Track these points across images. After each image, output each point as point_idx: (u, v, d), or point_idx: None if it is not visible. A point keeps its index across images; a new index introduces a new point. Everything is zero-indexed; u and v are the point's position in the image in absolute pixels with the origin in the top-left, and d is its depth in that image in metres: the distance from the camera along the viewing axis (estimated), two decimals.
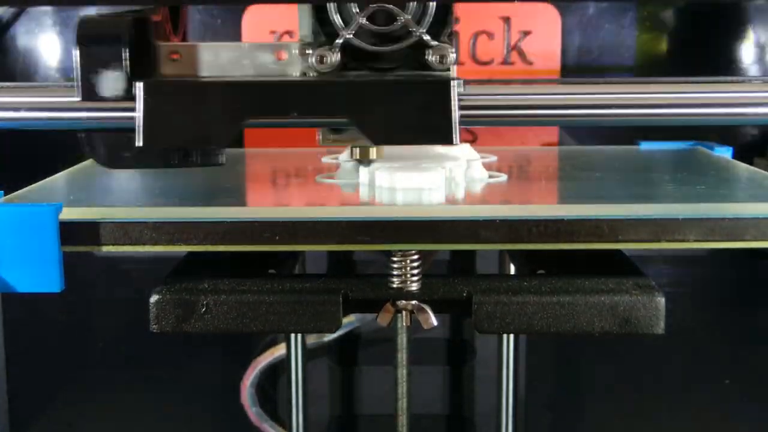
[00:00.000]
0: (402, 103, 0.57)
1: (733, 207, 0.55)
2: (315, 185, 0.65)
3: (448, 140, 0.56)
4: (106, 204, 0.57)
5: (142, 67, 0.59)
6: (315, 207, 0.58)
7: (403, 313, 0.58)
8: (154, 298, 0.57)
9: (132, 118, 0.57)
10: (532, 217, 0.54)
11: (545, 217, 0.54)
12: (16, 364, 0.90)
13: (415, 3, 0.58)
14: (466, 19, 0.82)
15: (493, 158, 0.74)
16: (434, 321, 0.58)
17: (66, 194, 0.62)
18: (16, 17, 0.92)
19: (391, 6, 0.57)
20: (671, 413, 0.94)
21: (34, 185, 0.64)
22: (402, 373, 0.64)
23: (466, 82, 0.58)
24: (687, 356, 0.92)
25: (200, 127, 0.57)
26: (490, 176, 0.66)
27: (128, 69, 0.57)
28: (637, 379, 0.94)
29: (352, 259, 0.85)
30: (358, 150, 0.63)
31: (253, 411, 0.88)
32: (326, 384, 0.93)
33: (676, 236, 0.54)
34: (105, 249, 0.55)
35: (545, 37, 0.83)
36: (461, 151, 0.71)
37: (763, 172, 0.67)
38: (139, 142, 0.56)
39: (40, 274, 0.54)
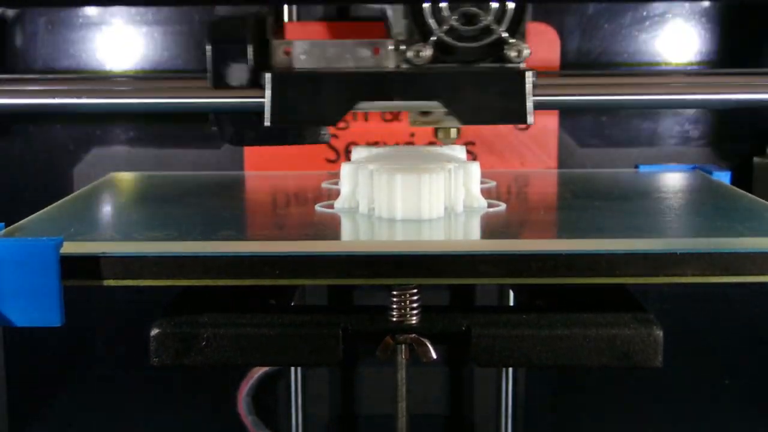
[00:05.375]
0: (486, 90, 0.65)
1: (731, 242, 0.55)
2: (314, 215, 0.65)
3: (522, 121, 0.65)
4: (107, 238, 0.57)
5: (260, 60, 0.70)
6: (315, 241, 0.57)
7: (403, 346, 0.59)
8: (154, 332, 0.57)
9: (256, 104, 0.68)
10: (530, 252, 0.54)
11: (544, 252, 0.54)
12: (16, 364, 0.90)
13: (496, 5, 0.67)
14: None
15: (492, 183, 0.74)
16: (433, 354, 0.58)
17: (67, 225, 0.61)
18: None
19: (476, 9, 0.67)
20: (672, 413, 0.94)
21: (34, 215, 0.64)
22: (401, 390, 0.64)
23: (538, 74, 0.67)
24: (688, 356, 0.92)
25: (317, 109, 0.66)
26: (489, 204, 0.66)
27: (252, 62, 0.69)
28: (637, 378, 0.94)
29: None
30: (441, 131, 0.73)
31: (249, 420, 0.88)
32: (326, 384, 0.94)
33: (675, 271, 0.54)
34: (106, 283, 0.55)
35: (544, 57, 0.83)
36: (460, 154, 0.72)
37: (761, 201, 0.67)
38: (267, 122, 0.66)
39: (40, 308, 0.54)
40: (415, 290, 0.59)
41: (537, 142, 0.85)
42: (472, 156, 0.83)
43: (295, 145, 0.73)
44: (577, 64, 0.89)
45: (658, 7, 0.90)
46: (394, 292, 0.59)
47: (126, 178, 0.82)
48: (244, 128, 0.71)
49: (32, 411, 0.94)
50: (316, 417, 0.93)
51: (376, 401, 0.93)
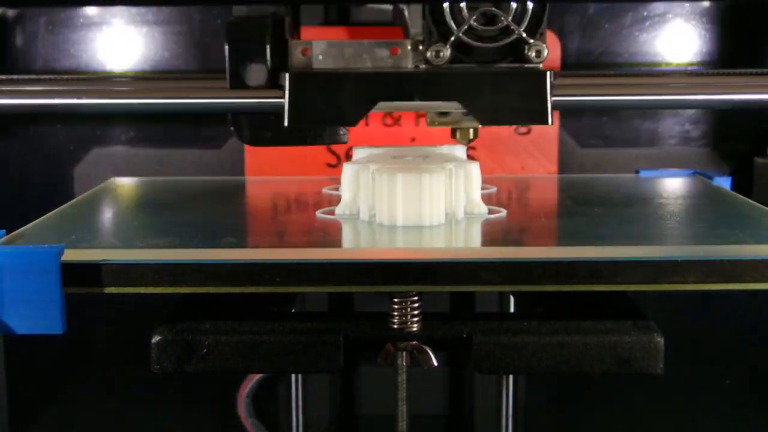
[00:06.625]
0: (505, 90, 0.65)
1: (731, 249, 0.55)
2: (315, 221, 0.65)
3: (543, 121, 0.65)
4: (108, 246, 0.57)
5: (278, 60, 0.69)
6: (315, 249, 0.58)
7: (404, 353, 0.59)
8: (155, 339, 0.57)
9: (274, 104, 0.67)
10: (531, 259, 0.54)
11: (544, 260, 0.54)
12: (16, 364, 0.90)
13: (515, 5, 0.66)
14: None
15: (493, 189, 0.74)
16: (435, 362, 0.58)
17: (68, 232, 0.61)
18: None
19: (495, 9, 0.66)
20: (672, 412, 0.94)
21: (35, 222, 0.64)
22: (402, 394, 0.64)
23: (556, 74, 0.67)
24: (688, 357, 0.92)
25: (336, 109, 0.65)
26: (490, 211, 0.66)
27: (270, 62, 0.68)
28: (637, 378, 0.94)
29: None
30: (459, 132, 0.72)
31: (249, 422, 0.88)
32: (326, 385, 0.94)
33: (675, 278, 0.55)
34: (107, 290, 0.55)
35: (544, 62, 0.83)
36: (460, 154, 0.73)
37: (762, 207, 0.67)
38: (285, 123, 0.65)
39: (41, 315, 0.55)
40: (415, 297, 0.59)
41: (537, 146, 0.85)
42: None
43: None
44: (577, 65, 0.89)
45: (658, 7, 0.89)
46: (395, 299, 0.59)
47: (126, 183, 0.82)
48: (261, 129, 0.71)
49: (33, 415, 0.94)
50: (316, 418, 0.93)
51: (376, 402, 0.93)
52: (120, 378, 0.94)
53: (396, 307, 0.59)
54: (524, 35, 0.66)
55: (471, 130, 0.72)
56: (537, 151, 0.85)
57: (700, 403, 0.95)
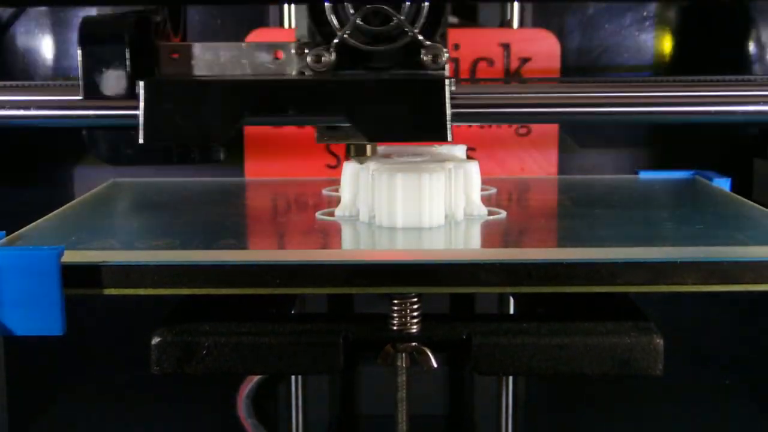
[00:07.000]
0: (397, 101, 0.58)
1: (731, 250, 0.56)
2: (315, 223, 0.65)
3: (442, 137, 0.58)
4: (108, 247, 0.57)
5: (143, 67, 0.61)
6: (315, 250, 0.58)
7: (403, 354, 0.59)
8: (155, 340, 0.57)
9: (134, 116, 0.59)
10: (530, 261, 0.54)
11: (544, 261, 0.54)
12: (16, 364, 0.90)
13: (409, 3, 0.59)
14: (467, 45, 0.83)
15: (493, 190, 0.74)
16: (434, 363, 0.59)
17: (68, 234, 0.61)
18: (16, 16, 0.91)
19: (385, 7, 0.59)
20: (672, 413, 0.94)
21: (35, 223, 0.64)
22: (402, 395, 0.64)
23: (458, 82, 0.61)
24: (689, 356, 0.92)
25: (200, 125, 0.58)
26: (490, 212, 0.66)
27: (130, 68, 0.60)
28: (637, 378, 0.94)
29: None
30: (353, 147, 0.65)
31: (249, 422, 0.88)
32: (326, 385, 0.94)
33: (674, 280, 0.55)
34: (107, 292, 0.55)
35: (544, 63, 0.83)
36: (460, 153, 0.72)
37: (761, 208, 0.67)
38: (141, 140, 0.58)
39: (41, 317, 0.54)
40: (415, 298, 0.59)
41: (537, 147, 0.85)
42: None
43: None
44: (577, 65, 0.89)
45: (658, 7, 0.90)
46: (395, 301, 0.59)
47: (126, 184, 0.82)
48: (119, 145, 0.64)
49: (33, 415, 0.94)
50: (316, 418, 0.93)
51: (376, 402, 0.93)
52: (120, 379, 0.94)
53: (396, 308, 0.59)
54: (420, 37, 0.60)
55: (368, 147, 0.64)
56: (536, 152, 0.85)
57: (700, 403, 0.94)
